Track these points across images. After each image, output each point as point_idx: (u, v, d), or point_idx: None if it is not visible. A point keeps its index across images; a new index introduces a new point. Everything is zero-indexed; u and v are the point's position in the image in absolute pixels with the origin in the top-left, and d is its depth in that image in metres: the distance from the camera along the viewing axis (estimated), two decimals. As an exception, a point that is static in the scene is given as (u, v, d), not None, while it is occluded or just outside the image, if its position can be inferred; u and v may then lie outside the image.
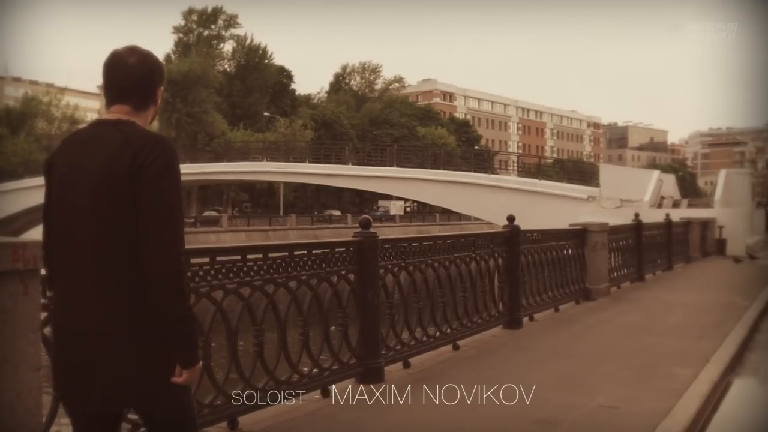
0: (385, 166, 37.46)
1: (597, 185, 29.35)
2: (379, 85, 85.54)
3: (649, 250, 14.58)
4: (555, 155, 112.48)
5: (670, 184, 30.01)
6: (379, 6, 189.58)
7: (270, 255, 4.78)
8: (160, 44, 77.51)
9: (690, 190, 79.54)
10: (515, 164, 37.55)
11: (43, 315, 3.11)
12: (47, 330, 3.10)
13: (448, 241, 7.13)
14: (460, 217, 56.96)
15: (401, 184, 36.05)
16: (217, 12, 64.49)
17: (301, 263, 5.01)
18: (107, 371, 2.30)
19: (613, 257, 12.07)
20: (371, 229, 5.69)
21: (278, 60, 71.28)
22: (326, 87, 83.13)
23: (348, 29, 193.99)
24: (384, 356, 5.82)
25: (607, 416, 4.91)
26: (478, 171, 34.87)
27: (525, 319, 8.46)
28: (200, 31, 64.48)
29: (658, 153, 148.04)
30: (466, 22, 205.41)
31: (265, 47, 68.65)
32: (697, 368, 6.28)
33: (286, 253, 4.94)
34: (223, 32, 65.67)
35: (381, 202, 69.84)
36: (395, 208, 68.67)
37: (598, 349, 7.26)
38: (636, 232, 13.80)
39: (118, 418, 2.56)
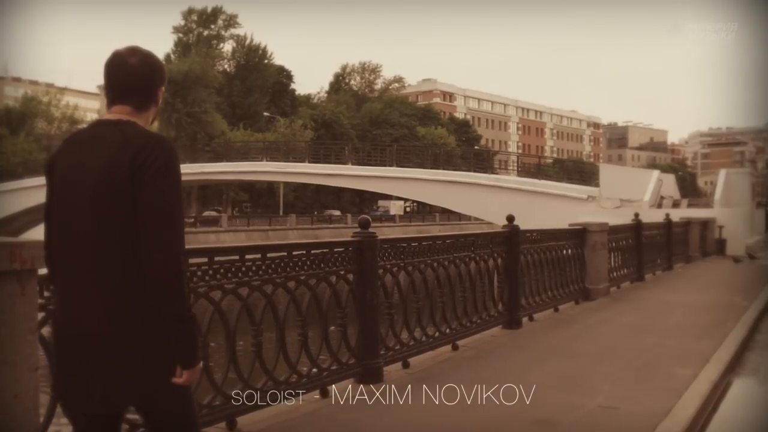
0: (385, 166, 37.43)
1: (597, 185, 29.34)
2: (378, 85, 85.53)
3: (648, 250, 14.58)
4: (555, 155, 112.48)
5: (669, 184, 30.01)
6: (379, 6, 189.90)
7: (268, 255, 4.77)
8: (160, 44, 77.57)
9: (690, 190, 79.52)
10: (515, 164, 37.56)
11: (41, 315, 3.10)
12: (45, 330, 3.10)
13: (448, 241, 7.12)
14: (459, 217, 56.98)
15: (401, 184, 36.05)
16: (216, 12, 64.46)
17: (299, 263, 5.00)
18: (108, 371, 2.30)
19: (612, 257, 12.06)
20: (370, 229, 5.69)
21: (278, 60, 71.45)
22: (326, 87, 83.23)
23: (348, 29, 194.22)
24: (383, 356, 5.81)
25: (606, 416, 4.91)
26: (478, 171, 34.85)
27: (524, 319, 8.46)
28: (200, 31, 64.43)
29: (658, 153, 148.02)
30: (466, 22, 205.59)
31: (265, 47, 68.73)
32: (696, 368, 6.27)
33: (285, 253, 4.93)
34: (222, 32, 65.64)
35: (381, 202, 69.85)
36: (395, 208, 68.69)
37: (597, 349, 7.25)
38: (636, 232, 13.79)
39: (117, 418, 2.55)
